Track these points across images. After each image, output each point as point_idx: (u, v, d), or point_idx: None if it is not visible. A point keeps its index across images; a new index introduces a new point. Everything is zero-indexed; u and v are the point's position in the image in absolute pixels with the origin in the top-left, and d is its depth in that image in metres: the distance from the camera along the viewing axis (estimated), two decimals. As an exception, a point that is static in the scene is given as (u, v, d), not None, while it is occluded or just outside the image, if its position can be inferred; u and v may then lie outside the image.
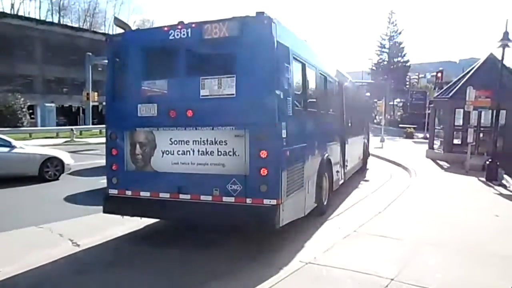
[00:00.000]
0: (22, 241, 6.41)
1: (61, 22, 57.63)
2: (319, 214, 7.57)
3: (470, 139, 14.41)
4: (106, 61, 6.84)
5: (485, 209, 8.65)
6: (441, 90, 22.37)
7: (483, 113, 16.00)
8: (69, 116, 45.58)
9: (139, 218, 6.67)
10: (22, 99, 35.03)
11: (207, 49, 5.68)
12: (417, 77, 70.71)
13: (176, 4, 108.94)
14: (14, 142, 11.84)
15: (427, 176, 13.35)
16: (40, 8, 60.79)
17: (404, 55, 63.04)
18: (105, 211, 6.30)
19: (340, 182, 9.89)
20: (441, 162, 16.93)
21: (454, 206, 8.85)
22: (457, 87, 17.59)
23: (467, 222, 7.43)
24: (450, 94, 17.68)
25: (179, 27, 5.76)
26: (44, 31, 45.51)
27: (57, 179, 12.17)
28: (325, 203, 7.94)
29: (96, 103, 34.69)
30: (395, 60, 62.56)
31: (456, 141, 18.16)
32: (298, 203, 6.31)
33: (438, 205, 9.01)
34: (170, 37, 5.78)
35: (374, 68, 63.56)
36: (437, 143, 19.43)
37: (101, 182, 7.19)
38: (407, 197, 9.67)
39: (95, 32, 54.87)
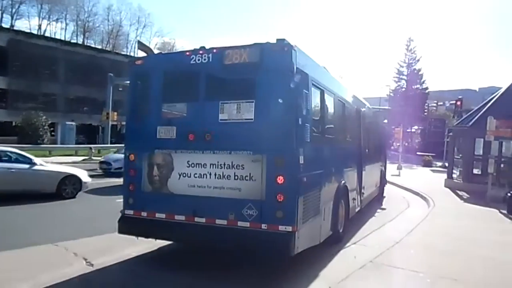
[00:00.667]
0: (37, 258, 6.43)
1: (85, 44, 59.42)
2: (334, 242, 7.43)
3: (490, 169, 14.13)
4: (128, 82, 6.99)
5: (507, 244, 8.37)
6: (461, 118, 22.14)
7: (504, 143, 15.72)
8: (88, 135, 46.42)
9: (153, 239, 6.66)
10: (44, 117, 35.92)
11: (227, 74, 5.75)
12: (435, 104, 70.11)
13: (198, 27, 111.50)
14: (34, 159, 12.08)
15: (446, 206, 13.06)
16: (66, 29, 62.72)
17: (423, 82, 62.70)
18: (120, 232, 6.31)
19: (357, 210, 9.74)
20: (460, 192, 16.58)
21: (475, 240, 8.59)
22: (477, 116, 17.37)
23: (488, 258, 7.18)
24: (470, 123, 17.45)
25: (201, 52, 5.87)
26: (68, 51, 47.07)
27: (74, 197, 12.31)
28: (341, 231, 7.81)
29: (115, 123, 35.33)
30: (414, 87, 62.22)
31: (476, 171, 17.82)
32: (313, 231, 6.22)
33: (457, 237, 8.76)
34: (191, 62, 5.89)
35: (391, 94, 63.32)
36: (456, 173, 19.08)
37: (117, 201, 7.24)
38: (425, 228, 9.45)
39: (117, 54, 56.54)
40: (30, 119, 34.83)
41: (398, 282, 5.63)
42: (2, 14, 54.35)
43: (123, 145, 6.78)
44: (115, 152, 21.60)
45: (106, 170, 18.52)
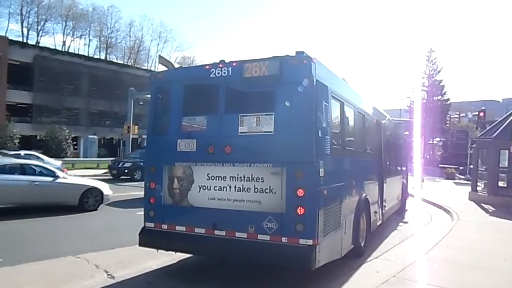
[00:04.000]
0: (59, 270, 6.51)
1: (108, 59, 60.81)
2: (356, 256, 7.31)
3: (516, 182, 13.71)
4: (149, 96, 7.10)
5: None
6: (484, 130, 21.64)
7: (530, 155, 15.29)
8: (109, 148, 47.25)
9: (173, 252, 6.67)
10: (67, 130, 36.82)
11: (246, 87, 5.79)
12: (457, 116, 68.80)
13: (217, 41, 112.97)
14: (57, 172, 12.33)
15: (471, 220, 12.69)
16: (89, 45, 64.40)
17: (444, 94, 61.76)
18: (140, 244, 6.36)
19: (378, 223, 9.58)
20: (485, 206, 16.10)
21: (500, 254, 8.28)
22: (501, 127, 16.95)
23: (516, 272, 6.94)
24: (495, 135, 17.04)
25: (220, 65, 5.93)
26: (91, 67, 48.23)
27: (96, 209, 12.49)
28: (362, 244, 7.68)
29: (135, 136, 35.83)
30: (434, 98, 61.35)
31: (501, 184, 17.34)
32: (334, 244, 6.13)
33: (482, 251, 8.48)
34: (211, 75, 5.95)
35: (412, 106, 62.50)
36: (480, 185, 18.59)
37: (138, 214, 7.30)
38: (450, 242, 9.19)
39: (138, 68, 57.62)
40: (54, 133, 35.77)
41: (423, 298, 5.47)
42: (28, 31, 56.36)
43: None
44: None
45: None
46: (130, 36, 68.19)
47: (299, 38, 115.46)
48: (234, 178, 5.72)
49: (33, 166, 12.12)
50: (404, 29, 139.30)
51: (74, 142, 40.49)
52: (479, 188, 18.46)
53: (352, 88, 8.11)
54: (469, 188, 19.33)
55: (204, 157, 5.92)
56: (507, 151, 15.81)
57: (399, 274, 6.40)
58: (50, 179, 11.80)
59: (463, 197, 18.59)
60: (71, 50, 57.58)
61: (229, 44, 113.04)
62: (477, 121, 43.20)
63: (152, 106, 6.71)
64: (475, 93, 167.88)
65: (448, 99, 62.47)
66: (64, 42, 60.81)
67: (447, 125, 58.76)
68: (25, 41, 51.76)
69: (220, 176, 5.82)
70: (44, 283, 5.84)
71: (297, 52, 5.54)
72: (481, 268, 7.11)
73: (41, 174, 11.88)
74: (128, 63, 62.55)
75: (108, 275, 6.29)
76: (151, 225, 6.31)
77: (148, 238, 6.28)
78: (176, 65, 36.64)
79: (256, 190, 5.57)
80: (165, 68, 19.69)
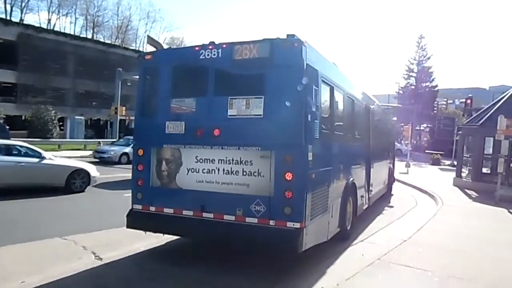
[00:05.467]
0: (46, 252, 6.49)
1: (95, 38, 59.63)
2: (342, 239, 7.42)
3: (500, 169, 13.96)
4: (137, 77, 7.00)
5: (516, 243, 8.28)
6: (471, 117, 21.91)
7: (514, 142, 15.54)
8: (97, 129, 46.70)
9: (161, 234, 6.68)
10: (53, 111, 36.25)
11: (236, 70, 5.73)
12: (445, 102, 69.37)
13: (207, 23, 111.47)
14: (43, 153, 12.17)
15: (454, 205, 12.94)
16: (75, 24, 62.99)
17: (433, 80, 62.10)
18: (128, 226, 6.34)
19: (364, 207, 9.71)
20: (469, 191, 16.42)
21: (484, 239, 8.50)
22: (487, 115, 17.18)
23: (497, 257, 7.12)
24: (480, 122, 17.26)
25: (210, 47, 5.85)
26: (77, 46, 47.19)
27: (83, 191, 12.41)
28: (348, 228, 7.79)
29: (123, 117, 35.46)
30: (423, 84, 61.67)
31: (485, 170, 17.67)
32: (321, 227, 6.21)
33: (466, 236, 8.68)
34: (201, 57, 5.88)
35: (401, 92, 62.81)
36: (465, 171, 18.91)
37: (125, 196, 7.27)
38: (433, 226, 9.38)
39: (126, 49, 56.60)
40: (40, 113, 35.16)
41: (406, 281, 5.59)
42: (12, 8, 54.71)
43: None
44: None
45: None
46: (117, 15, 66.92)
47: (290, 22, 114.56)
48: (222, 161, 5.71)
49: (18, 147, 11.93)
50: (394, 15, 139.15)
51: (61, 123, 39.86)
52: (463, 174, 18.79)
53: (342, 72, 8.10)
54: (454, 174, 19.65)
55: (192, 140, 5.89)
56: (492, 138, 16.04)
57: (384, 257, 6.52)
58: (36, 160, 11.66)
59: (447, 183, 18.91)
60: (56, 29, 56.25)
61: (220, 26, 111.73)
62: (464, 108, 43.67)
63: (141, 88, 6.62)
64: (463, 81, 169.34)
65: (436, 86, 62.87)
66: (49, 20, 59.49)
67: (435, 111, 59.29)
68: (8, 18, 50.34)
69: (209, 159, 5.80)
70: (29, 265, 5.81)
71: (288, 35, 5.49)
72: (464, 252, 7.28)
73: (26, 155, 11.72)
74: (116, 43, 61.44)
75: (95, 256, 6.29)
76: (139, 207, 6.30)
77: (136, 220, 6.27)
78: (165, 46, 36.15)
79: (244, 173, 5.57)
80: (153, 49, 19.37)
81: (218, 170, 5.75)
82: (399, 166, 22.87)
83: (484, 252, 7.36)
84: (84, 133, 42.05)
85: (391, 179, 15.45)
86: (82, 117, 43.19)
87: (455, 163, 22.78)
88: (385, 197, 13.75)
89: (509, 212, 12.09)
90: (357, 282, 5.39)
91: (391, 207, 12.60)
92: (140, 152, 6.35)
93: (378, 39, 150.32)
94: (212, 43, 5.93)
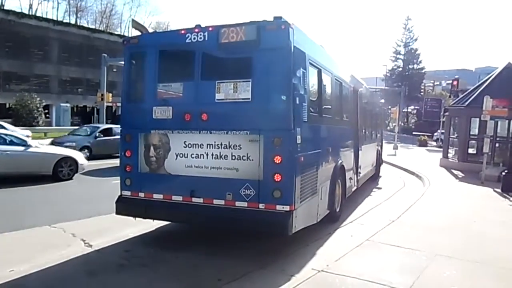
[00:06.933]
0: (35, 240, 6.45)
1: (78, 23, 58.40)
2: (331, 221, 7.49)
3: (486, 149, 14.17)
4: (122, 62, 6.88)
5: (501, 221, 8.47)
6: (457, 98, 22.13)
7: (499, 122, 15.77)
8: (83, 116, 46.04)
9: (151, 220, 6.67)
10: (38, 98, 35.61)
11: (223, 53, 5.66)
12: (432, 84, 69.86)
13: (193, 7, 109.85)
14: (29, 141, 12.00)
15: (441, 185, 13.16)
16: (57, 9, 61.88)
17: (420, 62, 62.44)
18: (117, 213, 6.31)
19: (353, 189, 9.80)
20: (455, 172, 16.69)
21: (469, 217, 8.68)
22: (473, 96, 17.36)
23: (482, 234, 7.27)
24: (466, 103, 17.45)
25: (196, 30, 5.76)
26: (61, 31, 46.11)
27: (71, 178, 12.29)
28: (337, 210, 7.86)
29: (110, 104, 35.00)
30: (410, 67, 61.98)
31: (471, 151, 17.93)
32: (311, 210, 6.25)
33: (452, 215, 8.85)
34: (187, 40, 5.79)
35: (388, 74, 63.05)
36: (451, 152, 19.17)
37: (114, 183, 7.21)
38: (421, 206, 9.53)
39: (111, 34, 55.53)
40: (24, 101, 34.53)
41: (395, 260, 5.68)
42: (-9, -7, 53.23)
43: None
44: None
45: None
46: (101, 0, 65.47)
47: (279, 5, 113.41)
48: (211, 146, 5.68)
49: (2, 135, 11.71)
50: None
51: (46, 111, 39.21)
52: (450, 155, 19.05)
53: (329, 55, 8.07)
54: (440, 155, 19.92)
55: (180, 125, 5.84)
56: (477, 119, 16.24)
57: (373, 238, 6.61)
58: (22, 148, 11.46)
59: (434, 164, 19.18)
60: (38, 14, 54.95)
61: (206, 9, 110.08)
62: (450, 90, 44.12)
63: (126, 73, 6.51)
64: (450, 62, 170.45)
65: (423, 68, 63.28)
66: (30, 5, 58.14)
67: (422, 93, 59.70)
68: (-12, 4, 49.00)
69: (197, 144, 5.76)
70: (18, 253, 5.76)
71: (275, 18, 5.42)
72: (451, 230, 7.43)
73: (11, 143, 11.50)
74: (100, 28, 60.25)
75: (85, 243, 6.26)
76: (127, 193, 6.26)
77: (125, 206, 6.24)
78: (151, 30, 35.60)
79: (233, 157, 5.56)
80: (138, 33, 19.03)
81: (207, 155, 5.72)
82: (387, 148, 23.10)
83: (470, 231, 7.51)
84: (70, 121, 41.45)
85: (379, 161, 15.60)
86: (68, 104, 42.50)
87: (442, 144, 23.06)
88: (373, 178, 13.90)
89: (494, 191, 12.32)
90: (346, 262, 5.46)
91: (380, 188, 12.76)
92: (128, 138, 6.28)
93: (365, 21, 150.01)
94: (198, 26, 5.84)
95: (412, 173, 16.58)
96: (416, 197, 10.70)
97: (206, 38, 5.68)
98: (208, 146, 5.70)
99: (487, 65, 68.63)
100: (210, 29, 5.70)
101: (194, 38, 5.75)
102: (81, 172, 12.82)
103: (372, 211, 9.06)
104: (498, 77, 17.52)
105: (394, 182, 14.31)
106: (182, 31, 5.93)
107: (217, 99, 5.61)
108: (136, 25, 24.14)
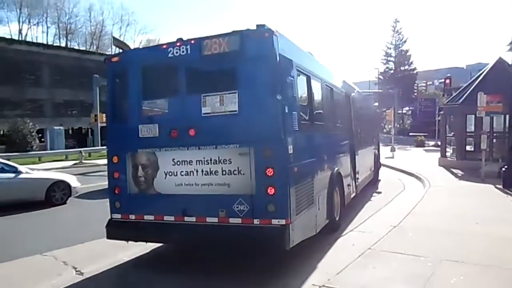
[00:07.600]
0: (26, 271, 6.18)
1: (69, 46, 58.48)
2: (331, 230, 7.27)
3: (483, 145, 14.01)
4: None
5: (503, 219, 8.25)
6: (451, 96, 22.04)
7: (495, 118, 15.65)
8: (78, 138, 45.87)
9: (144, 242, 6.43)
10: (31, 123, 35.42)
11: (207, 66, 5.50)
12: (425, 84, 70.20)
13: (182, 23, 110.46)
14: (19, 168, 11.75)
15: (441, 185, 12.96)
16: (47, 33, 61.62)
17: (411, 63, 62.78)
18: (108, 237, 6.09)
19: (352, 196, 9.59)
20: (455, 170, 16.51)
21: (473, 218, 8.44)
22: (467, 93, 17.26)
23: (488, 235, 7.05)
24: (461, 100, 17.35)
25: (178, 44, 5.61)
26: (52, 55, 46.26)
27: (65, 202, 12.02)
28: (337, 218, 7.64)
29: (104, 124, 34.86)
30: (402, 68, 62.30)
31: (468, 148, 17.78)
32: (308, 221, 6.03)
33: (455, 216, 8.62)
34: (169, 55, 5.63)
35: (381, 77, 63.29)
36: (449, 151, 19.02)
37: (108, 204, 6.99)
38: (422, 209, 9.32)
39: (101, 54, 55.53)
40: (17, 126, 34.34)
41: (399, 268, 5.45)
42: (-20, 21, 53.37)
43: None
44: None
45: None
46: (90, 21, 65.82)
47: (267, 13, 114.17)
48: (200, 162, 5.48)
49: (-9, 164, 11.48)
50: (368, 1, 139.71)
51: (40, 135, 38.97)
52: (448, 154, 18.91)
53: (318, 61, 7.94)
54: (438, 155, 19.76)
55: (168, 142, 5.65)
56: (473, 116, 16.13)
57: (374, 246, 6.39)
58: (12, 175, 11.21)
59: (433, 163, 19.02)
60: (28, 39, 55.05)
61: (195, 24, 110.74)
62: (443, 88, 44.22)
63: (110, 92, 6.36)
64: (441, 61, 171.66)
65: (415, 69, 63.63)
66: (20, 31, 58.13)
67: (415, 94, 59.89)
68: (-23, 32, 49.05)
69: (186, 161, 5.57)
70: (8, 285, 5.53)
71: (257, 26, 5.28)
72: (455, 233, 7.20)
73: (2, 170, 11.27)
74: (91, 50, 60.36)
75: (76, 271, 6.01)
76: (118, 216, 6.04)
77: (116, 230, 6.02)
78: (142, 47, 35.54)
79: (224, 172, 5.36)
80: (120, 51, 18.91)
81: (197, 171, 5.52)
82: (385, 151, 22.95)
83: (474, 231, 7.30)
84: (65, 143, 41.17)
85: (377, 164, 15.41)
86: (62, 127, 42.27)
87: (439, 143, 22.92)
88: (372, 183, 13.69)
89: (496, 187, 12.14)
90: (348, 274, 5.23)
91: (379, 193, 12.55)
92: (115, 159, 6.08)
93: (354, 26, 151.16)
94: (180, 39, 5.69)
95: (411, 174, 16.40)
96: (416, 199, 10.49)
97: (189, 51, 5.53)
98: (198, 162, 5.50)
99: (477, 62, 68.95)
100: (192, 42, 5.54)
101: (177, 52, 5.59)
102: (75, 196, 12.55)
103: (373, 217, 8.82)
104: (490, 73, 17.44)
105: (393, 185, 14.10)
106: (164, 46, 5.78)
107: (204, 113, 5.44)
108: (117, 43, 24.03)
